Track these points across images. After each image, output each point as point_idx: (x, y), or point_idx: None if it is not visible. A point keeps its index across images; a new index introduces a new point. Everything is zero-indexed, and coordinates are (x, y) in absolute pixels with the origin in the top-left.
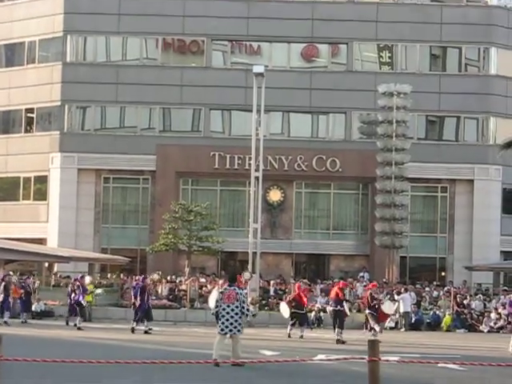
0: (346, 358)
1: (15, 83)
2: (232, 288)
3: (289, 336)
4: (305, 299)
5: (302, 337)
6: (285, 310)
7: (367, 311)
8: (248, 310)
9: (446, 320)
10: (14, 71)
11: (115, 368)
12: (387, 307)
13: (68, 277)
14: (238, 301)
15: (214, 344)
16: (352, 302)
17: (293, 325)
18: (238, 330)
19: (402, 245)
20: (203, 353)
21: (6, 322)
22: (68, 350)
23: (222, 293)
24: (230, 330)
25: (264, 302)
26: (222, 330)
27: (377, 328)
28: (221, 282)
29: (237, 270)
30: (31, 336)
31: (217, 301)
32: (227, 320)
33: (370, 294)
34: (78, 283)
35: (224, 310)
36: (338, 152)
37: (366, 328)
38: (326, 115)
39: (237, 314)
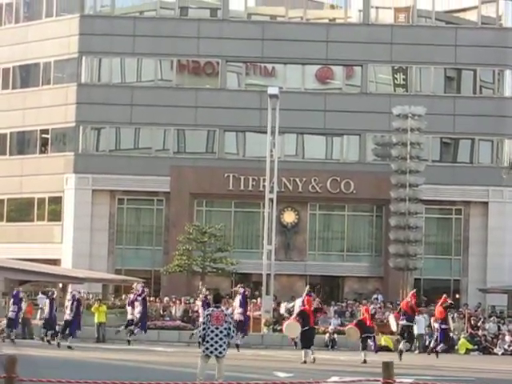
0: (360, 380)
1: (30, 104)
2: (219, 309)
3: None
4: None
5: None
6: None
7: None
8: (234, 331)
9: (462, 343)
10: (28, 92)
11: None
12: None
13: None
14: (226, 322)
15: (199, 365)
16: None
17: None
18: (221, 353)
19: (416, 267)
20: (213, 374)
21: (69, 347)
22: (78, 370)
23: (209, 315)
24: (219, 352)
25: (277, 323)
26: (209, 351)
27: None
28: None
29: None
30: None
31: (204, 323)
32: (216, 342)
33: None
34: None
35: (212, 332)
36: (353, 174)
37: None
38: (341, 137)
39: (225, 335)
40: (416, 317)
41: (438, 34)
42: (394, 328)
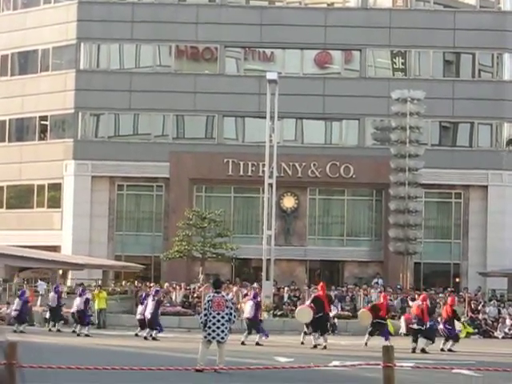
0: (360, 364)
1: (29, 91)
2: (220, 295)
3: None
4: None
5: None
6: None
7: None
8: (235, 316)
9: (462, 327)
10: (27, 79)
11: (125, 374)
12: None
13: (82, 284)
14: (227, 308)
15: (200, 350)
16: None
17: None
18: (223, 338)
19: (416, 251)
20: (214, 359)
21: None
22: (80, 356)
23: (210, 300)
24: (221, 338)
25: (278, 308)
26: (210, 336)
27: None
28: (204, 286)
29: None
30: (48, 343)
31: (205, 309)
32: (218, 328)
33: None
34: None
35: (214, 317)
36: (352, 158)
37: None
38: (340, 122)
39: (226, 321)
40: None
41: (437, 17)
42: (403, 330)
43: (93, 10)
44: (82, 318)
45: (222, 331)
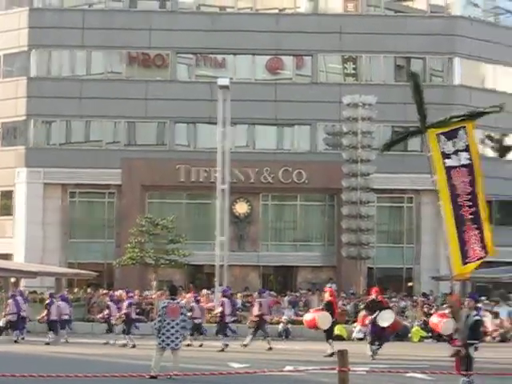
0: (314, 369)
1: None
2: (175, 302)
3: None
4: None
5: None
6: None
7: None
8: (189, 323)
9: (415, 331)
10: None
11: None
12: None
13: (35, 292)
14: (182, 314)
15: (154, 357)
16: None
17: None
18: (177, 345)
19: (369, 256)
20: (167, 366)
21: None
22: (41, 365)
23: (165, 307)
24: (175, 344)
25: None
26: (165, 343)
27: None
28: (158, 294)
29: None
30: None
31: (159, 315)
32: (172, 334)
33: None
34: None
35: (169, 324)
36: (304, 164)
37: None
38: (292, 127)
39: (181, 328)
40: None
41: (388, 22)
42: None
43: (44, 16)
44: (19, 323)
45: (177, 338)
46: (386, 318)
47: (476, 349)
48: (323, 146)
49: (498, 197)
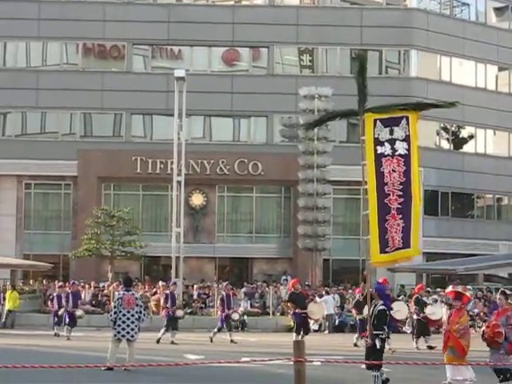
0: (271, 360)
1: None
2: (130, 293)
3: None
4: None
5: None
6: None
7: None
8: (144, 315)
9: None
10: None
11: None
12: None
13: None
14: (137, 306)
15: (109, 349)
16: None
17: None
18: (133, 336)
19: (325, 247)
20: (124, 357)
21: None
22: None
23: (120, 298)
24: (130, 336)
25: (187, 306)
26: (120, 334)
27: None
28: (113, 285)
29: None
30: None
31: (115, 307)
32: (128, 326)
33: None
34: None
35: (124, 315)
36: (260, 155)
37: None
38: (248, 119)
39: (136, 319)
40: (326, 297)
41: (344, 14)
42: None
43: None
44: None
45: (132, 329)
46: (401, 311)
47: (383, 340)
48: (279, 138)
49: (454, 189)
